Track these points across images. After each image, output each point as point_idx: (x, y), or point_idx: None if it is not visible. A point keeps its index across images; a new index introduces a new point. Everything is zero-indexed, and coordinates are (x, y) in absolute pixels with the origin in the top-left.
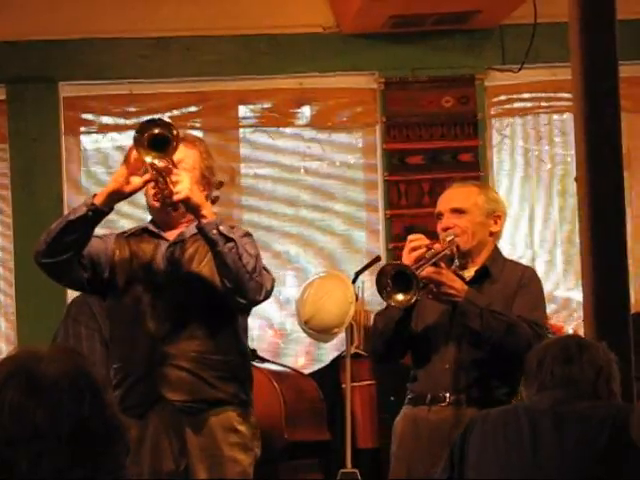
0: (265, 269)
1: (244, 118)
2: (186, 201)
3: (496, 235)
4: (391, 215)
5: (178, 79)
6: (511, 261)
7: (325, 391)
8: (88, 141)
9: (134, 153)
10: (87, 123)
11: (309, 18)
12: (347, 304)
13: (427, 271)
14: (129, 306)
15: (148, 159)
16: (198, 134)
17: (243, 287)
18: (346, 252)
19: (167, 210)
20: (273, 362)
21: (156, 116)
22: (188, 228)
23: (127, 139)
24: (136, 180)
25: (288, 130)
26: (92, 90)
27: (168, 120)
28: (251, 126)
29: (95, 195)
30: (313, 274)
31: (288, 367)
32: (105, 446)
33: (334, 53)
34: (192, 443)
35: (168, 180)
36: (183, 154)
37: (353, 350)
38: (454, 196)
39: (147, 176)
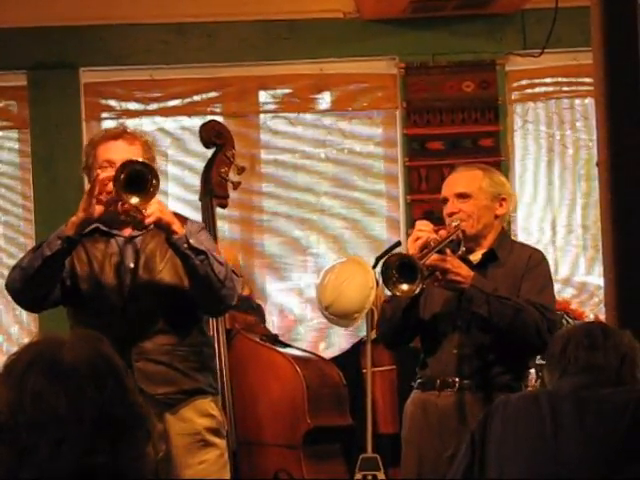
0: (234, 272)
1: (264, 103)
2: (158, 222)
3: (502, 218)
4: (412, 200)
5: (198, 65)
6: (519, 243)
7: (346, 376)
8: (109, 127)
9: (100, 175)
10: (108, 109)
11: (329, 3)
12: (368, 289)
13: (432, 259)
14: (95, 308)
15: (134, 200)
16: (219, 119)
17: (216, 296)
18: (366, 237)
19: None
20: (295, 347)
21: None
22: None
23: (148, 125)
24: (101, 207)
25: (308, 115)
26: (113, 76)
27: (145, 161)
28: (271, 111)
29: (66, 226)
30: (333, 259)
31: (310, 352)
32: (126, 432)
33: (354, 38)
34: (172, 429)
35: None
36: (128, 153)
37: (374, 335)
38: (458, 181)
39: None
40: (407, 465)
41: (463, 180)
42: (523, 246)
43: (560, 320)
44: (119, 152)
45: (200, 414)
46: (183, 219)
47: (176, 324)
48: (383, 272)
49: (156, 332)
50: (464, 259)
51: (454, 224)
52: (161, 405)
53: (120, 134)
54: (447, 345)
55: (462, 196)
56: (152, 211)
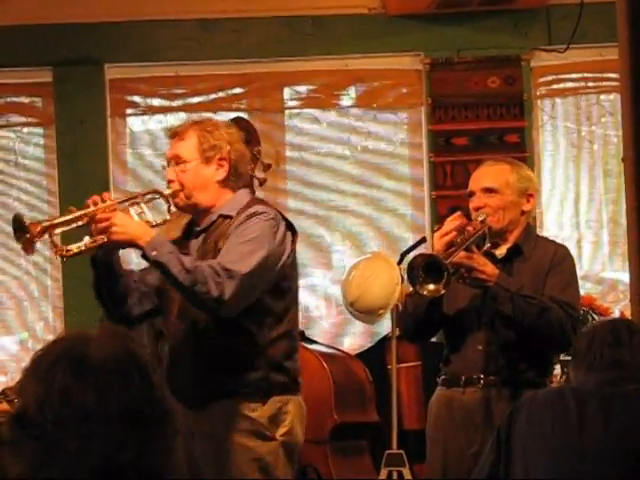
0: (217, 274)
1: (289, 100)
2: (115, 242)
3: (528, 214)
4: (437, 196)
5: (223, 61)
6: (544, 238)
7: (371, 372)
8: (134, 123)
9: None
10: (133, 105)
11: None
12: (393, 285)
13: (458, 256)
14: (162, 308)
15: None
16: (243, 116)
17: (191, 301)
18: (392, 233)
19: (186, 205)
20: (321, 343)
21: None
22: (208, 217)
23: (173, 121)
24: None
25: (333, 111)
26: (138, 72)
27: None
28: (296, 108)
29: None
30: (361, 255)
31: (336, 349)
32: (153, 428)
33: (379, 34)
34: (200, 431)
35: (95, 232)
36: (176, 149)
37: (399, 331)
38: (485, 175)
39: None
40: (432, 462)
41: (490, 174)
42: (548, 241)
43: (585, 316)
44: (171, 150)
45: (233, 416)
46: (243, 208)
47: (208, 325)
48: (409, 272)
49: (189, 333)
50: (489, 254)
51: (480, 219)
52: (187, 408)
53: (175, 131)
54: (472, 341)
55: (488, 191)
56: (107, 235)
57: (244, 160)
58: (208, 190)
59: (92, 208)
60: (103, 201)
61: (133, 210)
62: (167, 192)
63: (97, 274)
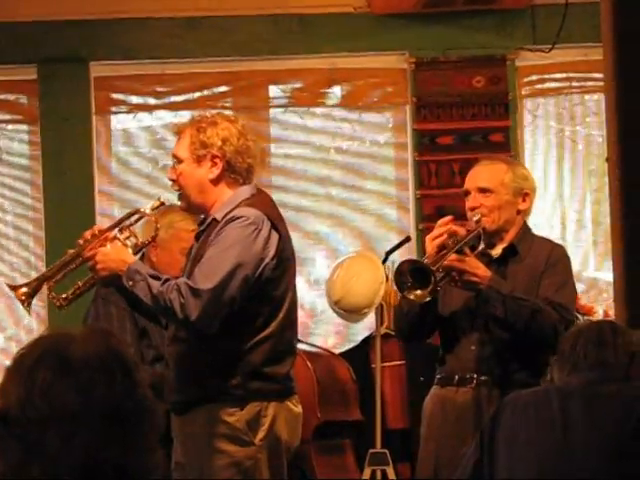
0: (182, 295)
1: (275, 98)
2: (103, 279)
3: (524, 213)
4: (421, 195)
5: (209, 59)
6: (541, 238)
7: (355, 371)
8: (119, 121)
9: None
10: (118, 103)
11: None
12: (377, 284)
13: (450, 259)
14: None
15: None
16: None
17: (167, 321)
18: (377, 232)
19: (188, 207)
20: (305, 342)
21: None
22: (207, 218)
23: (158, 119)
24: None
25: (319, 110)
26: (123, 70)
27: None
28: (282, 106)
29: None
30: (343, 254)
31: (320, 347)
32: (136, 427)
33: (365, 33)
34: (182, 434)
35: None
36: (174, 148)
37: (383, 330)
38: (481, 174)
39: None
40: (423, 460)
41: (485, 174)
42: (544, 241)
43: None
44: (173, 149)
45: (209, 420)
46: (230, 211)
47: (187, 332)
48: (397, 278)
49: (174, 339)
50: (484, 254)
51: (475, 218)
52: (171, 411)
53: (176, 130)
54: (466, 342)
55: (484, 190)
56: (93, 271)
57: (244, 154)
58: (204, 189)
59: (78, 248)
60: (93, 236)
61: (121, 236)
62: (149, 209)
63: (128, 300)
